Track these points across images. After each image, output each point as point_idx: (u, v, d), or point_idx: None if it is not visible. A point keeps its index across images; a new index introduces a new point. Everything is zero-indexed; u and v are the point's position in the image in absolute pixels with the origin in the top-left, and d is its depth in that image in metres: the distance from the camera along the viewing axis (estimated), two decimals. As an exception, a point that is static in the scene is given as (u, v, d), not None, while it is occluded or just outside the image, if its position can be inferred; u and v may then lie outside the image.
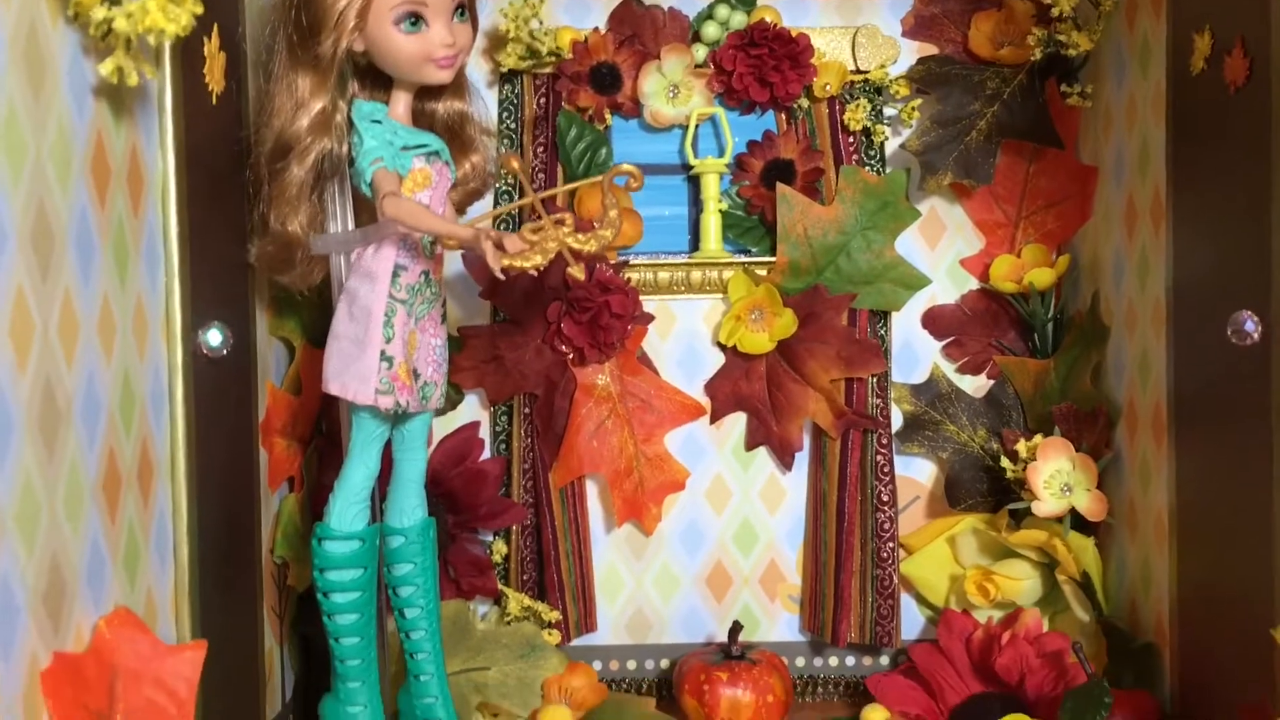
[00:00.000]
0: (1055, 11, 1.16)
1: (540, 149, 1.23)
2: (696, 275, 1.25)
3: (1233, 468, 0.92)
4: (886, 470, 1.23)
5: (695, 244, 1.26)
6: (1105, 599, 1.15)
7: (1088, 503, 1.14)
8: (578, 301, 1.19)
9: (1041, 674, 1.10)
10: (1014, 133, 1.21)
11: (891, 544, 1.23)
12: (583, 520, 1.25)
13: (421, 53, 0.93)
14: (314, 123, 0.92)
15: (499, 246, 0.89)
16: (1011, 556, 1.21)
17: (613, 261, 1.21)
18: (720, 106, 1.24)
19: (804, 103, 1.24)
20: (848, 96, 1.23)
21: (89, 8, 0.67)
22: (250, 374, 0.99)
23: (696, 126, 1.24)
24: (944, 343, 1.27)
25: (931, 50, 1.23)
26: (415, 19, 0.91)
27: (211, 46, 0.88)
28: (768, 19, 1.21)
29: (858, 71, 1.23)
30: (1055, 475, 1.15)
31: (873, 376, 1.23)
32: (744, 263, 1.24)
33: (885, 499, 1.23)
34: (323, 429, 1.17)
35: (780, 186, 1.22)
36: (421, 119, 1.00)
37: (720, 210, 1.24)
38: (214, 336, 0.84)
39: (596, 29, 1.22)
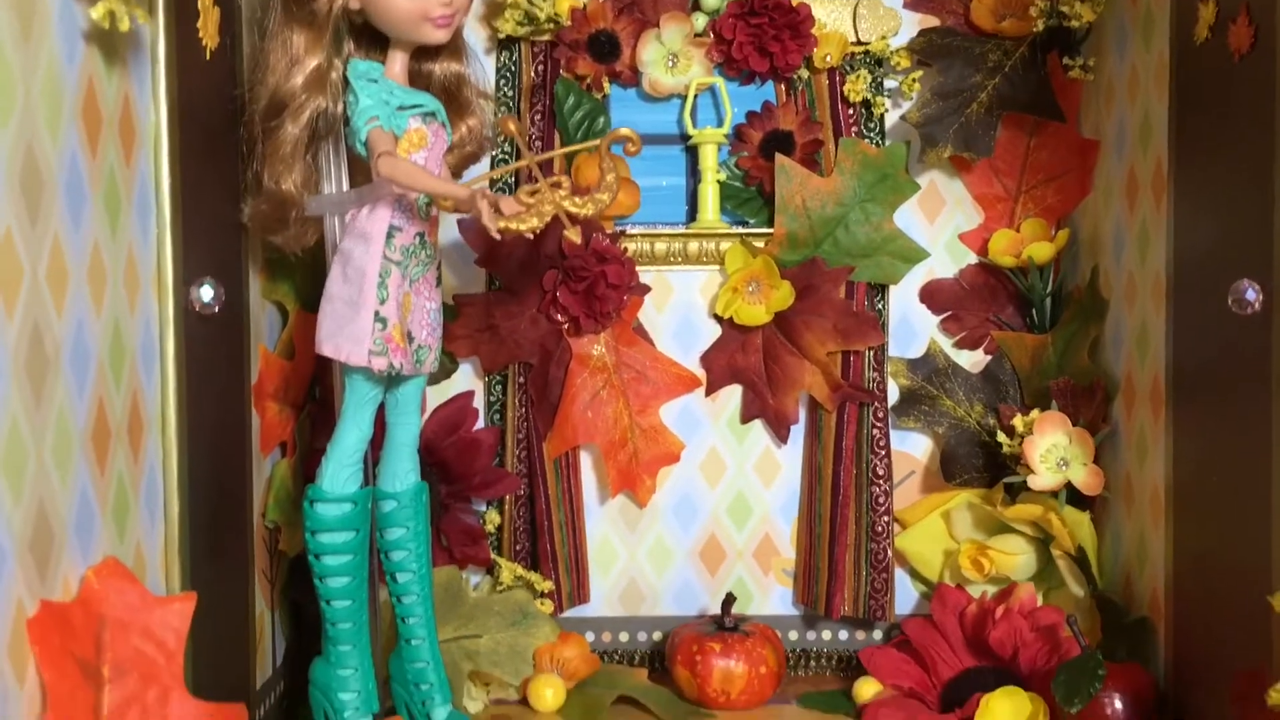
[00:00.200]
0: (1058, -17, 1.16)
1: (538, 117, 1.22)
2: (694, 246, 1.24)
3: (1231, 440, 0.91)
4: (882, 444, 1.23)
5: (693, 215, 1.26)
6: (1100, 574, 1.15)
7: (1084, 477, 1.14)
8: (574, 271, 1.18)
9: (1035, 648, 1.09)
10: (1015, 105, 1.20)
11: (886, 518, 1.23)
12: (576, 491, 1.24)
13: (418, 11, 0.92)
14: (309, 80, 0.91)
15: (495, 208, 0.88)
16: (1006, 531, 1.20)
17: (609, 231, 1.21)
18: (719, 76, 1.23)
19: (804, 73, 1.23)
20: (848, 68, 1.22)
21: (81, -50, 0.66)
22: (242, 335, 0.98)
23: (695, 96, 1.23)
24: (941, 317, 1.26)
25: (933, 22, 1.22)
26: (412, -24, 0.90)
27: (205, 1, 0.87)
28: (768, -12, 1.20)
29: (858, 42, 1.22)
30: (1052, 449, 1.15)
31: (869, 350, 1.23)
32: (741, 234, 1.23)
33: (880, 473, 1.23)
34: (316, 395, 1.16)
35: (779, 157, 1.21)
36: (418, 80, 0.99)
37: (718, 181, 1.23)
38: (206, 292, 0.83)
39: (596, -4, 1.21)
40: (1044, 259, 1.20)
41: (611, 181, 0.94)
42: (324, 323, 0.93)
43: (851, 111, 1.23)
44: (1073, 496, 1.16)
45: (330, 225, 0.98)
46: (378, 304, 0.91)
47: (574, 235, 0.90)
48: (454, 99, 1.01)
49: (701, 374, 1.25)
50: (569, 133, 1.21)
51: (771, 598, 1.27)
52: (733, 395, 1.26)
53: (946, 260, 1.25)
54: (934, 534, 1.24)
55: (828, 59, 1.21)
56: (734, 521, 1.27)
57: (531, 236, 0.89)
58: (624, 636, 1.27)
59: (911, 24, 1.23)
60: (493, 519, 1.23)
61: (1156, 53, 1.04)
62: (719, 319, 1.24)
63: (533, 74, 1.22)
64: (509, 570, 1.20)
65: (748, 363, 1.24)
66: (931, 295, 1.25)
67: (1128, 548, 1.11)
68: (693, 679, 1.16)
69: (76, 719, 0.62)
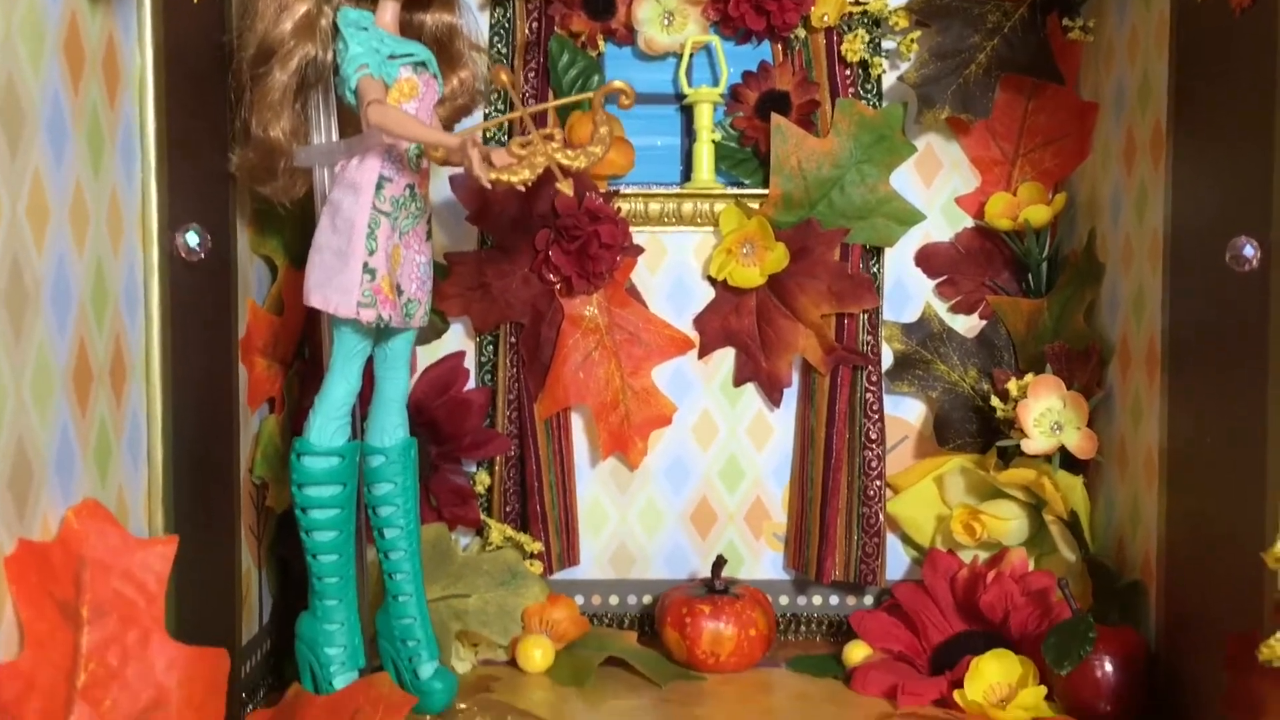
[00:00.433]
0: (1059, -57, 1.14)
1: (531, 74, 1.21)
2: (688, 207, 1.23)
3: (1227, 402, 0.90)
4: (875, 408, 1.22)
5: (687, 175, 1.24)
6: (1092, 538, 1.14)
7: (1078, 441, 1.13)
8: (566, 230, 1.17)
9: (1026, 611, 1.09)
10: (1014, 67, 1.19)
11: (879, 482, 1.22)
12: (567, 453, 1.23)
13: (409, -43, 0.90)
14: (298, 26, 0.90)
15: (486, 159, 0.87)
16: (999, 497, 1.20)
17: (603, 190, 1.20)
18: (715, 35, 1.22)
19: (801, 33, 1.21)
20: (845, 27, 1.21)
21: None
22: (229, 287, 0.97)
23: (691, 55, 1.22)
24: (937, 281, 1.25)
25: (931, -19, 1.21)
26: (403, -79, 0.89)
27: (193, -57, 0.86)
28: (766, -55, 1.19)
29: (856, 2, 1.21)
30: (1046, 413, 1.14)
31: (864, 313, 1.22)
32: (736, 195, 1.22)
33: (874, 437, 1.22)
34: (305, 353, 1.15)
35: (775, 118, 1.20)
36: (409, 30, 0.98)
37: (713, 141, 1.22)
38: (191, 238, 0.82)
39: (591, -49, 1.20)
40: (1041, 222, 1.19)
41: (605, 134, 0.92)
42: (312, 273, 0.91)
43: (849, 72, 1.21)
44: (1066, 461, 1.16)
45: (319, 177, 0.97)
46: (366, 255, 0.90)
47: (566, 188, 0.89)
48: (445, 50, 1.00)
49: (694, 336, 1.24)
50: (563, 91, 1.20)
51: (762, 562, 1.27)
52: (725, 358, 1.25)
53: (942, 224, 1.24)
54: (926, 499, 1.23)
55: (825, 18, 1.20)
56: (725, 485, 1.26)
57: (523, 188, 0.88)
58: (614, 599, 1.26)
59: (910, -17, 1.22)
60: (483, 480, 1.22)
61: (1157, 11, 1.03)
62: (712, 281, 1.23)
63: (527, 31, 1.21)
64: (498, 531, 1.20)
65: (741, 325, 1.23)
66: (927, 259, 1.24)
67: (1121, 512, 1.10)
68: (682, 641, 1.15)
69: (55, 659, 0.61)
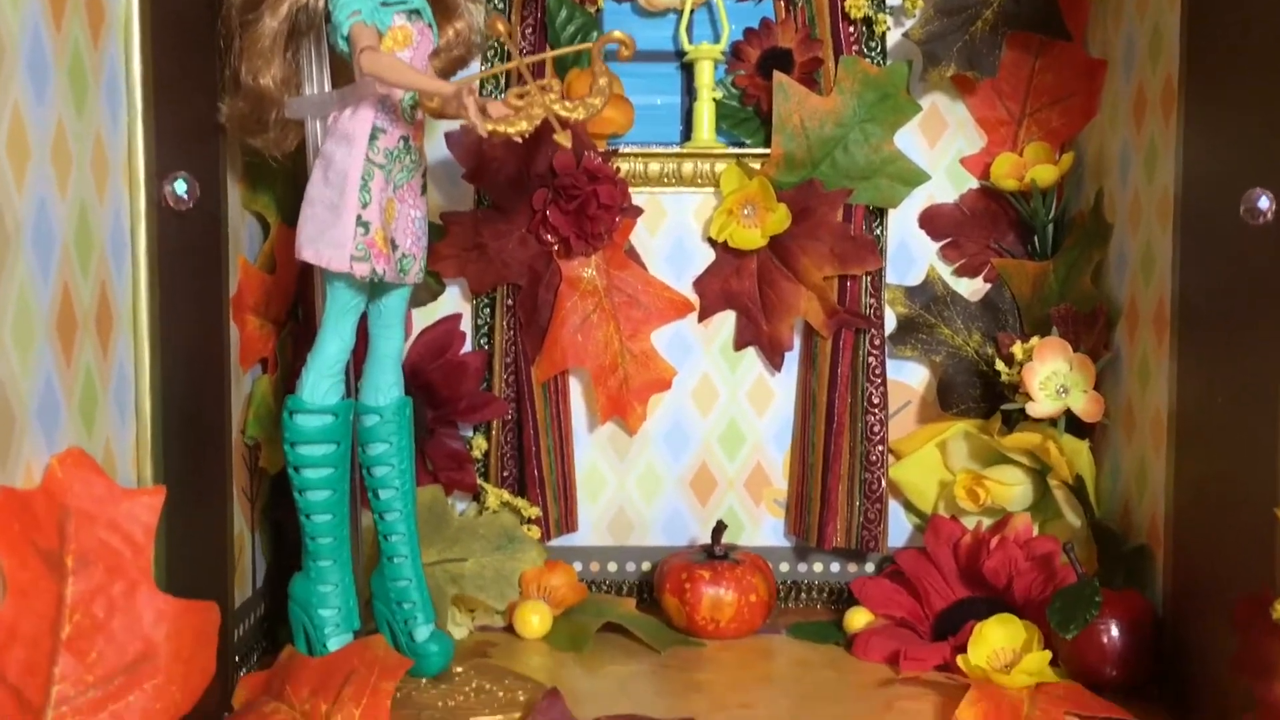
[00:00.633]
0: (1068, -104, 1.12)
1: (529, 30, 1.18)
2: (688, 168, 1.21)
3: (1238, 360, 0.89)
4: (878, 372, 1.20)
5: (687, 134, 1.22)
6: (1098, 503, 1.12)
7: (1084, 404, 1.11)
8: (564, 190, 1.15)
9: (1030, 576, 1.08)
10: (1021, 23, 1.16)
11: (881, 447, 1.20)
12: (565, 417, 1.21)
13: (404, -99, 0.88)
14: (289, -30, 0.87)
15: (482, 111, 0.85)
16: (1003, 462, 1.18)
17: (601, 150, 1.17)
18: (717, -10, 1.20)
19: (804, -11, 1.19)
20: (850, -17, 1.19)
21: None
22: (220, 241, 0.95)
23: (692, 11, 1.20)
24: (941, 244, 1.23)
25: (938, -65, 1.18)
26: None
27: (181, -117, 0.83)
28: (769, -102, 1.16)
29: (861, -43, 1.19)
30: (1051, 376, 1.12)
31: (866, 275, 1.20)
32: (737, 154, 1.20)
33: (876, 401, 1.20)
34: (299, 315, 1.13)
35: (777, 75, 1.18)
36: (404, -21, 0.95)
37: (714, 100, 1.20)
38: (179, 186, 0.80)
39: (590, -96, 1.17)
40: (1047, 183, 1.17)
41: (604, 86, 0.91)
42: (304, 227, 0.89)
43: (852, 29, 1.19)
44: (1071, 425, 1.14)
45: (311, 129, 0.95)
46: (360, 208, 0.88)
47: (564, 140, 0.87)
48: (440, 0, 0.97)
49: (694, 299, 1.22)
50: (561, 47, 1.18)
51: (763, 529, 1.25)
52: (726, 321, 1.23)
53: (947, 185, 1.22)
54: (929, 464, 1.21)
55: (829, -26, 1.18)
56: (725, 450, 1.25)
57: (520, 140, 0.86)
58: (612, 566, 1.24)
59: (916, -62, 1.19)
60: (479, 444, 1.20)
61: (1168, -37, 1.01)
62: (713, 243, 1.21)
63: (524, -14, 1.18)
64: (495, 496, 1.18)
65: (742, 288, 1.21)
66: (931, 221, 1.22)
67: (1127, 475, 1.09)
68: (681, 607, 1.14)
69: (39, 609, 0.60)
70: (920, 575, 1.14)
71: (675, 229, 1.22)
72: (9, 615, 0.58)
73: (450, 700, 0.92)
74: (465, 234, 1.18)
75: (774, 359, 1.22)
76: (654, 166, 1.20)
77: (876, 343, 1.20)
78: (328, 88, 0.95)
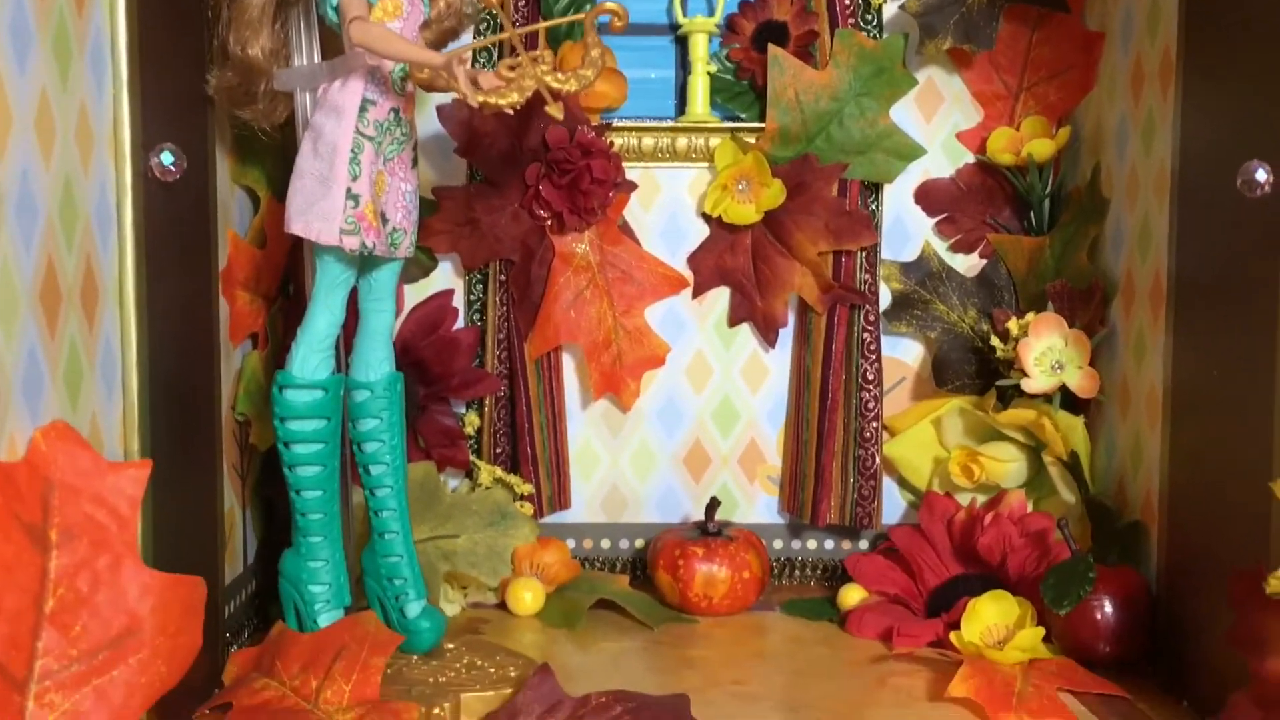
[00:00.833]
0: None
1: (521, 2, 1.17)
2: (682, 142, 1.20)
3: (1234, 335, 0.88)
4: (873, 348, 1.20)
5: (681, 109, 1.21)
6: (1092, 479, 1.12)
7: (1079, 380, 1.11)
8: (557, 164, 1.14)
9: (1024, 553, 1.07)
10: (1018, -4, 1.15)
11: (875, 424, 1.20)
12: (558, 393, 1.21)
13: None
14: (276, -61, 0.86)
15: (473, 82, 0.84)
16: (998, 439, 1.17)
17: (595, 124, 1.16)
18: (711, -37, 1.19)
19: (799, -39, 1.18)
20: (845, -44, 1.18)
21: None
22: (208, 214, 0.94)
23: (686, -16, 1.19)
24: (937, 219, 1.22)
25: (935, -93, 1.17)
26: None
27: None
28: None
29: (857, -71, 1.17)
30: (1047, 352, 1.12)
31: (861, 251, 1.19)
32: (732, 128, 1.19)
33: (871, 378, 1.20)
34: (290, 291, 1.13)
35: (772, 49, 1.17)
36: (393, -51, 0.94)
37: (708, 73, 1.19)
38: (166, 158, 0.79)
39: (583, -125, 1.16)
40: (1044, 157, 1.16)
41: (596, 57, 0.90)
42: (294, 200, 0.88)
43: (848, 2, 1.18)
44: (1066, 402, 1.13)
45: (301, 102, 0.94)
46: (349, 180, 0.87)
47: (556, 111, 0.86)
48: (431, -29, 0.96)
49: (688, 275, 1.21)
50: (553, 18, 1.16)
51: (756, 506, 1.25)
52: (720, 297, 1.22)
53: (943, 160, 1.21)
54: (924, 441, 1.21)
55: (824, -54, 1.16)
56: (719, 427, 1.24)
57: (511, 112, 0.85)
58: (605, 543, 1.24)
59: (913, -91, 1.18)
60: (472, 421, 1.20)
61: (1167, -66, 0.99)
62: (707, 218, 1.21)
63: (517, -42, 1.17)
64: (488, 473, 1.17)
65: (736, 263, 1.20)
66: (927, 196, 1.22)
67: (1122, 451, 1.08)
68: (674, 584, 1.13)
69: (22, 583, 0.59)
70: (914, 552, 1.14)
71: (669, 204, 1.21)
72: (-7, 589, 0.58)
73: (441, 676, 0.91)
74: (457, 209, 1.17)
75: (768, 335, 1.22)
76: (648, 141, 1.19)
77: (871, 319, 1.20)
78: (317, 59, 0.94)
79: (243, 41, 0.88)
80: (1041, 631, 0.99)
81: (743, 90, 1.21)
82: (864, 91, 1.17)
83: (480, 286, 1.20)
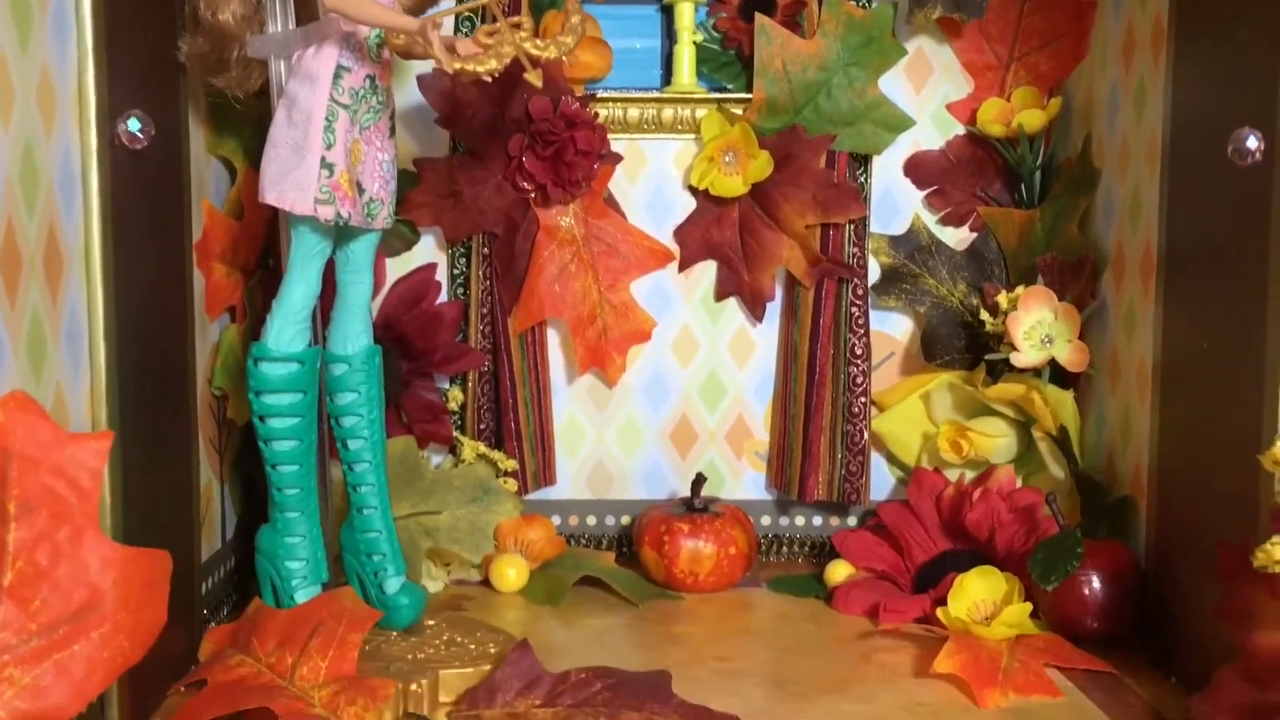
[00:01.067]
0: None
1: (504, -30, 1.15)
2: (668, 113, 1.18)
3: (1225, 306, 0.86)
4: (861, 322, 1.18)
5: (667, 79, 1.20)
6: (1082, 454, 1.11)
7: (1069, 353, 1.09)
8: (541, 135, 1.12)
9: (1012, 529, 1.06)
10: (1009, -36, 1.13)
11: (863, 399, 1.18)
12: (543, 368, 1.19)
13: None
14: (247, -99, 0.84)
15: (451, 49, 0.82)
16: (987, 414, 1.16)
17: (579, 94, 1.14)
18: (697, -70, 1.16)
19: (787, -72, 1.16)
20: (834, -78, 1.15)
21: None
22: (181, 184, 0.92)
23: (671, -48, 1.17)
24: (926, 192, 1.20)
25: (925, -127, 1.15)
26: None
27: None
28: None
29: (845, -104, 1.15)
30: (1036, 326, 1.10)
31: (850, 224, 1.17)
32: (718, 99, 1.17)
33: (859, 352, 1.18)
34: (269, 264, 1.11)
35: (759, 18, 1.15)
36: (370, -88, 0.92)
37: (695, 43, 1.17)
38: (133, 124, 0.77)
39: None
40: (1035, 127, 1.15)
41: (576, 24, 0.88)
42: (268, 169, 0.87)
43: (836, -30, 1.16)
44: (1056, 376, 1.12)
45: (276, 69, 0.92)
46: (324, 149, 0.85)
47: (535, 79, 0.84)
48: (409, -65, 0.94)
49: (674, 248, 1.20)
50: (537, -10, 1.15)
51: (744, 482, 1.23)
52: (707, 271, 1.21)
53: (933, 132, 1.20)
54: (912, 416, 1.20)
55: (812, -87, 1.14)
56: (706, 403, 1.23)
57: (490, 79, 0.83)
58: (591, 520, 1.23)
59: (902, -125, 1.16)
60: (455, 396, 1.18)
61: (1160, -102, 0.97)
62: (694, 191, 1.19)
63: (499, -75, 1.15)
64: (471, 449, 1.16)
65: (723, 237, 1.19)
66: (916, 168, 1.20)
67: (1111, 426, 1.07)
68: (660, 560, 1.12)
69: (-21, 555, 0.58)
70: (902, 528, 1.12)
71: (655, 176, 1.20)
72: (-52, 562, 0.57)
73: (420, 653, 0.90)
74: (440, 181, 1.15)
75: (755, 310, 1.20)
76: (633, 112, 1.18)
77: (859, 293, 1.18)
78: (292, 25, 0.92)
79: (214, 6, 0.87)
80: (1029, 607, 0.98)
81: (729, 60, 1.19)
82: (852, 61, 1.15)
83: (463, 260, 1.18)
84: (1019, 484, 1.11)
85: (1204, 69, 0.90)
